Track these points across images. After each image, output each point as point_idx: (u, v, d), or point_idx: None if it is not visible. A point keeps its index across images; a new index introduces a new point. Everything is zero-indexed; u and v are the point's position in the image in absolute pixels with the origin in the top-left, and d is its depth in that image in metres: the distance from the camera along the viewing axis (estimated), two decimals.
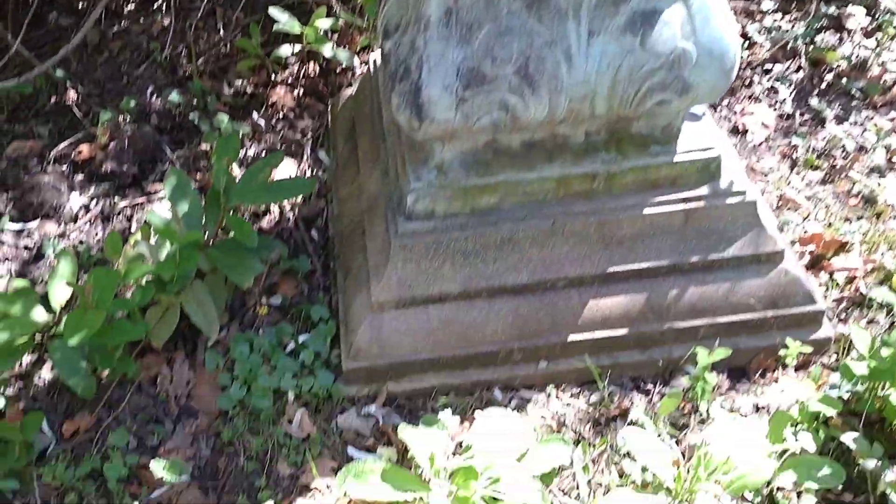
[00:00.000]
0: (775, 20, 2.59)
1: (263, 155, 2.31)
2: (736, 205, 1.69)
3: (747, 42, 2.53)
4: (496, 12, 1.49)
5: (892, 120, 2.26)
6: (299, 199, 2.16)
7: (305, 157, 2.30)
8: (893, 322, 1.80)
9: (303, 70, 2.47)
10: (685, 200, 1.69)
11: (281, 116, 2.42)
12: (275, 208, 2.15)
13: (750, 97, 2.39)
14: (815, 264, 1.92)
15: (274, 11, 2.27)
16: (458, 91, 1.50)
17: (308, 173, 2.26)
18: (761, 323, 1.71)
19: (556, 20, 1.49)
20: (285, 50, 2.35)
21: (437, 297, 1.70)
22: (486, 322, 1.70)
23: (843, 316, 1.83)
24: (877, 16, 2.56)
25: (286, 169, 2.24)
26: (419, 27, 1.50)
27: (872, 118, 2.28)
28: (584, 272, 1.71)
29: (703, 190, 1.70)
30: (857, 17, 2.55)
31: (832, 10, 2.58)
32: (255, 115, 2.40)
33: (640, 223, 1.70)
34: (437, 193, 1.66)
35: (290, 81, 2.48)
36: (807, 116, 2.32)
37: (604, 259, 1.71)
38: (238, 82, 2.51)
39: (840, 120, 2.29)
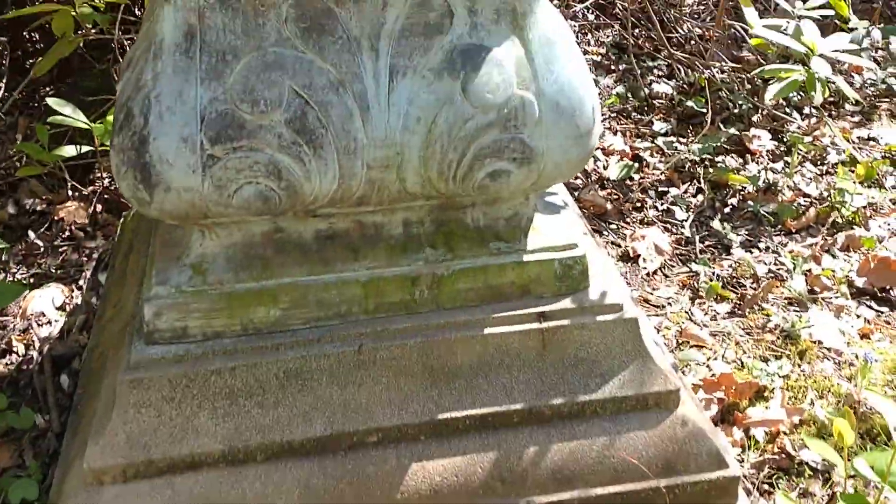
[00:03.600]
0: (669, 142, 2.27)
1: (31, 281, 1.79)
2: (611, 324, 1.23)
3: (639, 164, 2.18)
4: (260, 37, 1.06)
5: (810, 246, 1.88)
6: (55, 332, 1.63)
7: (83, 283, 1.79)
8: (833, 494, 1.31)
9: (101, 179, 2.02)
10: (541, 317, 1.22)
11: (67, 235, 1.93)
12: (19, 346, 1.60)
13: (642, 221, 2.00)
14: (726, 416, 1.44)
15: (53, 102, 1.83)
16: (202, 145, 1.04)
17: (80, 302, 1.73)
18: (652, 496, 1.19)
19: (346, 54, 1.07)
20: (69, 150, 1.89)
21: (189, 461, 1.14)
22: (263, 502, 1.15)
23: (765, 486, 1.34)
24: (784, 139, 2.26)
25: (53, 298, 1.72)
26: (149, 56, 1.06)
27: (786, 244, 1.90)
28: (405, 421, 1.19)
29: (566, 303, 1.23)
30: (763, 140, 2.25)
31: (733, 131, 2.28)
32: (31, 234, 1.90)
33: (481, 348, 1.21)
34: (190, 303, 1.16)
35: (86, 194, 2.01)
36: (709, 242, 1.93)
37: (432, 401, 1.20)
38: (29, 200, 2.04)
39: (748, 245, 1.90)
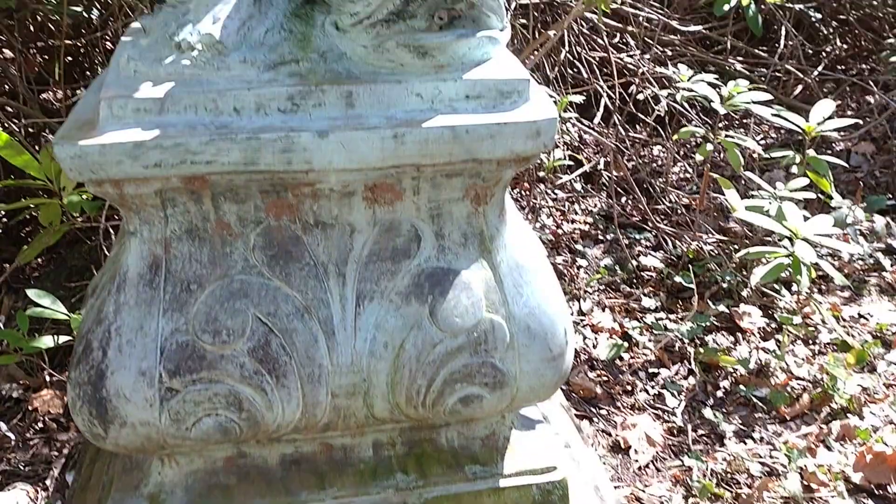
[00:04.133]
0: (659, 318, 2.24)
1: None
2: None
3: (628, 343, 2.15)
4: (226, 266, 1.05)
5: (805, 436, 1.81)
6: None
7: (50, 483, 1.71)
8: None
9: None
10: None
11: (40, 427, 1.87)
12: None
13: (633, 406, 1.94)
14: None
15: (33, 293, 1.82)
16: (161, 378, 1.01)
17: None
18: None
19: (312, 280, 1.06)
20: (47, 341, 1.86)
21: None
22: None
23: None
24: (774, 315, 2.23)
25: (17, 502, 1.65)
26: (112, 287, 1.05)
27: (781, 434, 1.83)
28: None
29: None
30: (753, 317, 2.22)
31: (722, 308, 2.26)
32: (3, 426, 1.85)
33: None
34: None
35: (63, 380, 1.97)
36: (702, 431, 1.86)
37: None
38: (6, 385, 2.00)
39: (742, 436, 1.83)
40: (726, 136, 2.27)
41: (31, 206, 1.89)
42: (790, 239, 1.97)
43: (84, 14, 2.56)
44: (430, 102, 1.03)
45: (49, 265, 2.44)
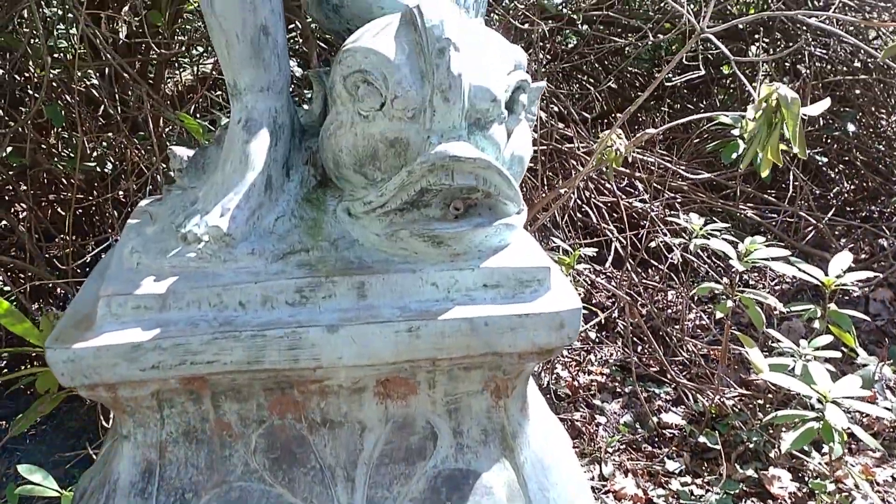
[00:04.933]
0: (685, 484, 2.11)
1: None
2: None
3: None
4: (225, 472, 0.97)
5: None
6: None
7: None
8: None
9: None
10: None
11: None
12: None
13: None
14: None
15: (24, 469, 1.73)
16: None
17: None
18: None
19: (318, 486, 0.98)
20: None
21: None
22: None
23: None
24: (805, 478, 2.10)
25: None
26: (102, 496, 0.97)
27: None
28: None
29: None
30: (783, 481, 2.10)
31: (751, 472, 2.13)
32: None
33: None
34: None
35: None
36: None
37: None
38: None
39: None
40: (745, 292, 2.22)
41: (31, 373, 1.82)
42: (819, 400, 1.88)
43: (97, 169, 2.58)
44: (447, 292, 0.98)
45: (46, 424, 2.36)
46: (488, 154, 0.97)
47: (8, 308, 1.71)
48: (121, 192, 2.57)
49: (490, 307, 0.96)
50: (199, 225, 0.95)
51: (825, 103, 1.29)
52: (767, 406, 2.36)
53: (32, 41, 2.24)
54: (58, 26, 2.56)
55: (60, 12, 2.49)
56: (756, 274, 3.28)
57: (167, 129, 2.66)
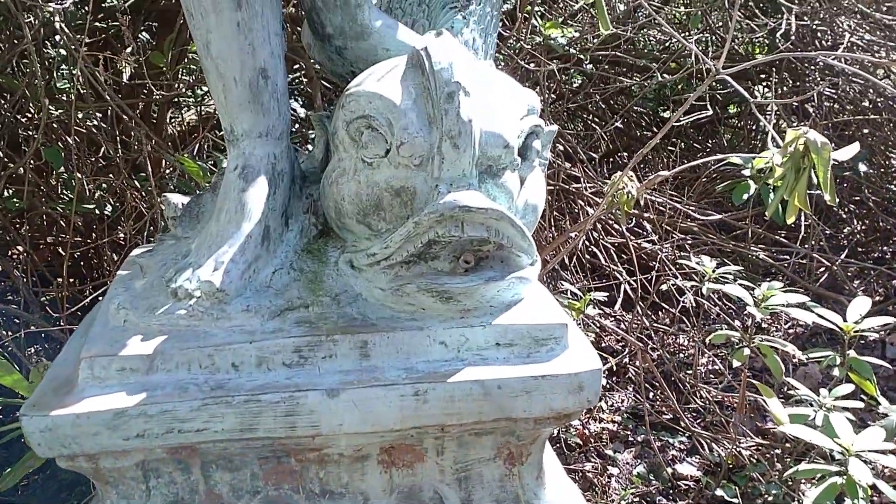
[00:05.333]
0: None
1: None
2: None
3: None
4: None
5: None
6: None
7: None
8: None
9: None
10: None
11: None
12: None
13: None
14: None
15: None
16: None
17: None
18: None
19: None
20: None
21: None
22: None
23: None
24: None
25: None
26: None
27: None
28: None
29: None
30: None
31: None
32: None
33: None
34: None
35: None
36: None
37: None
38: None
39: None
40: (762, 339, 2.14)
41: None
42: (841, 453, 1.79)
43: (96, 211, 2.53)
44: (456, 351, 0.91)
45: (38, 475, 2.27)
46: (500, 203, 0.91)
47: None
48: (120, 235, 2.52)
49: (503, 368, 0.89)
50: (191, 280, 0.89)
51: (854, 147, 1.23)
52: (786, 456, 2.27)
53: (34, 82, 2.21)
54: (61, 67, 2.53)
55: (64, 52, 2.46)
56: (769, 316, 3.20)
57: (168, 171, 2.61)
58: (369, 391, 0.86)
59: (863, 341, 2.92)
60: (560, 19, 3.18)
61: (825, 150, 1.09)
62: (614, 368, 2.88)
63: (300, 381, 0.86)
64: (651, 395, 2.73)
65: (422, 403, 0.87)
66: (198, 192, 1.15)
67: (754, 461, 2.32)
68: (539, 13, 2.99)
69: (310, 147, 2.43)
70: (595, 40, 2.98)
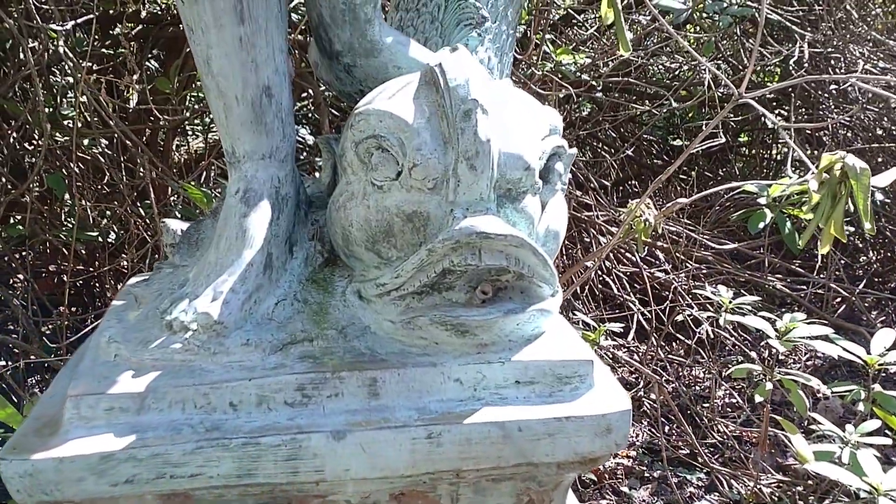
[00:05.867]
0: None
1: None
2: None
3: None
4: None
5: None
6: None
7: None
8: None
9: None
10: None
11: None
12: None
13: None
14: None
15: None
16: None
17: None
18: None
19: None
20: None
21: None
22: None
23: None
24: None
25: None
26: None
27: None
28: None
29: None
30: None
31: None
32: None
33: None
34: None
35: None
36: None
37: None
38: None
39: None
40: (784, 372, 2.06)
41: None
42: (869, 492, 1.71)
43: (100, 239, 2.48)
44: (472, 390, 0.84)
45: None
46: (520, 230, 0.84)
47: None
48: (123, 263, 2.46)
49: (524, 408, 0.82)
50: (187, 311, 0.83)
51: (893, 173, 1.17)
52: (809, 495, 2.18)
53: (37, 108, 2.17)
54: (66, 94, 2.49)
55: (71, 80, 2.43)
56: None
57: (173, 199, 2.56)
58: (378, 433, 0.79)
59: (884, 374, 2.83)
60: (571, 46, 3.14)
61: (864, 176, 1.02)
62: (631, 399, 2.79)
63: (303, 423, 0.79)
64: (667, 429, 2.65)
65: (435, 447, 0.80)
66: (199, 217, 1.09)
67: (776, 499, 2.23)
68: (550, 39, 2.95)
69: (317, 174, 2.38)
70: (606, 67, 2.93)
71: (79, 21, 1.98)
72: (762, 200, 2.68)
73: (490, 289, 0.84)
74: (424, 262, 0.81)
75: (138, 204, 2.40)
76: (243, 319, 0.85)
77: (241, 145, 0.93)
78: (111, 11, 2.35)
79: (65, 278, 2.39)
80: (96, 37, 2.26)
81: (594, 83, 2.90)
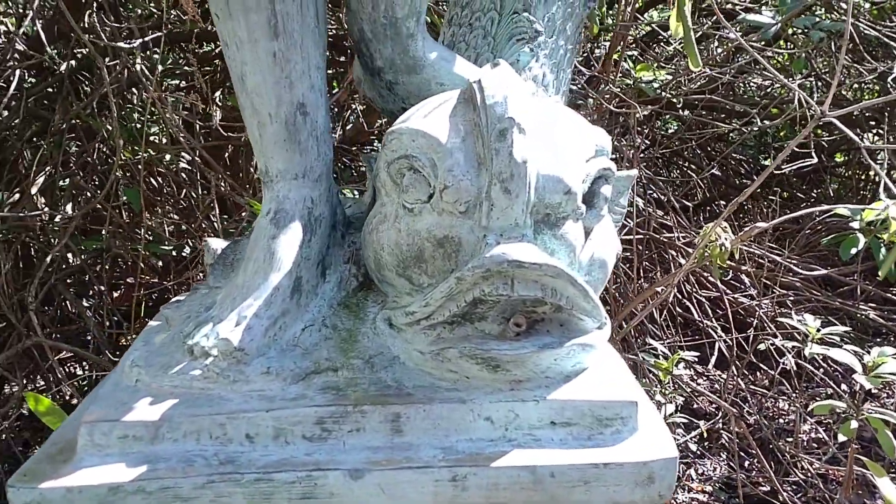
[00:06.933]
0: None
1: None
2: None
3: None
4: None
5: None
6: None
7: None
8: None
9: None
10: None
11: None
12: None
13: None
14: None
15: None
16: None
17: None
18: None
19: None
20: None
21: None
22: None
23: None
24: None
25: None
26: None
27: None
28: None
29: None
30: None
31: None
32: None
33: None
34: None
35: None
36: None
37: None
38: None
39: None
40: (872, 410, 1.91)
41: None
42: None
43: (173, 253, 2.52)
44: (503, 430, 0.78)
45: None
46: (560, 258, 0.78)
47: (49, 406, 1.60)
48: (200, 276, 2.49)
49: (558, 452, 0.75)
50: (209, 336, 0.80)
51: None
52: None
53: (112, 123, 2.22)
54: (149, 111, 2.55)
55: (151, 96, 2.49)
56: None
57: (244, 213, 2.58)
58: (399, 474, 0.74)
59: None
60: (654, 64, 3.03)
61: None
62: (706, 434, 2.65)
63: (321, 459, 0.75)
64: (746, 464, 2.50)
65: (460, 490, 0.74)
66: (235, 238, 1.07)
67: None
68: (632, 57, 2.86)
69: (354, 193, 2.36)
70: (689, 84, 2.82)
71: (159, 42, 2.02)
72: (855, 224, 2.51)
73: (524, 321, 0.78)
74: (454, 290, 0.76)
75: (212, 218, 2.43)
76: (267, 346, 0.81)
77: (273, 164, 0.90)
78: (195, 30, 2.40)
79: (137, 292, 2.43)
80: (182, 55, 2.30)
81: (674, 100, 2.79)
